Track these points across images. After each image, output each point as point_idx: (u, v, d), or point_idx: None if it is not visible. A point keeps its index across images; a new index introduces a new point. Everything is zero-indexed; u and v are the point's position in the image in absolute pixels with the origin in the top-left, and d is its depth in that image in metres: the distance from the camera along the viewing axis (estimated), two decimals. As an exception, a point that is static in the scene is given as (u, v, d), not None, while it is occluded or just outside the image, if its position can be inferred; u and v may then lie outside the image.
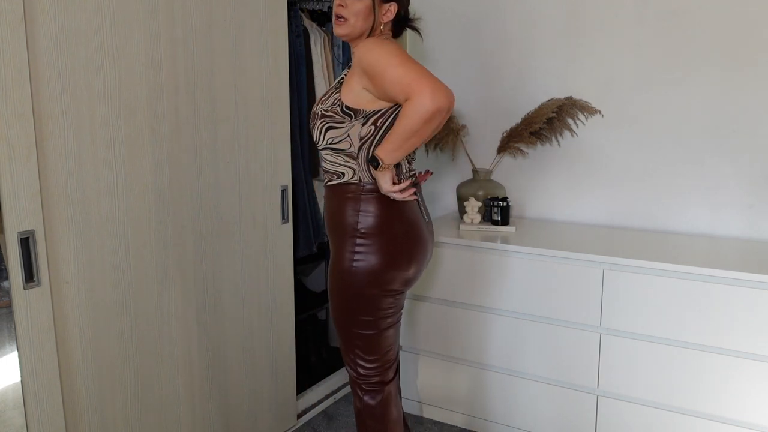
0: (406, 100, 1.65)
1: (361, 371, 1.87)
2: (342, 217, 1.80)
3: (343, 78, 1.80)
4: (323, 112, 1.78)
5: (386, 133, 1.74)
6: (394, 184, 1.76)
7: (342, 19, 1.76)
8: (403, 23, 1.86)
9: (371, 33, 1.78)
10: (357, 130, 1.75)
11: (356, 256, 1.78)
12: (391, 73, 1.66)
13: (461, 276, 2.48)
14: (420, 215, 1.87)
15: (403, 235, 1.82)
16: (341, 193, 1.81)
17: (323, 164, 1.86)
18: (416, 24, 1.89)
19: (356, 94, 1.74)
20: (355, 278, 1.78)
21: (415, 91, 1.62)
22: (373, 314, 1.82)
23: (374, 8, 1.75)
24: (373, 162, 1.71)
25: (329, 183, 1.85)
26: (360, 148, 1.76)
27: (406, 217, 1.82)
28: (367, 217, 1.78)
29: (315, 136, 1.82)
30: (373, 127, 1.75)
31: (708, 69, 2.39)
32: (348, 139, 1.76)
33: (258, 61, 2.18)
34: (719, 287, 2.04)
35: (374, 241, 1.78)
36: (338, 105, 1.76)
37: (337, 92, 1.78)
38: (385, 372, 1.89)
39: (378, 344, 1.85)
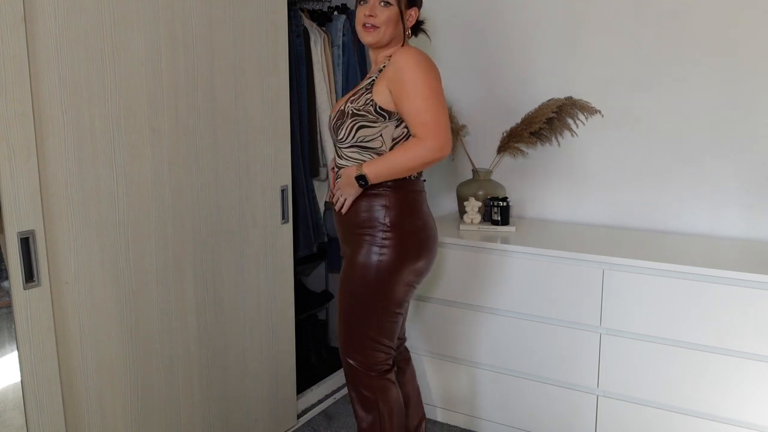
0: (415, 135, 1.77)
1: (369, 359, 1.91)
2: (369, 212, 1.86)
3: (373, 79, 1.86)
4: (354, 111, 1.84)
5: None
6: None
7: (372, 27, 1.82)
8: (418, 25, 1.96)
9: (391, 40, 1.86)
10: (390, 131, 1.84)
11: (382, 250, 1.85)
12: (416, 102, 1.76)
13: (461, 276, 2.48)
14: (430, 210, 1.98)
15: (421, 229, 1.90)
16: (367, 189, 1.86)
17: (342, 161, 1.91)
18: (424, 26, 2.00)
19: (386, 96, 1.81)
20: (379, 269, 1.85)
21: (429, 136, 1.75)
22: (393, 302, 1.89)
23: (402, 15, 1.83)
24: (362, 181, 1.81)
25: None
26: (391, 148, 1.85)
27: (423, 212, 1.93)
28: (391, 212, 1.85)
29: (342, 134, 1.87)
30: (405, 130, 1.84)
31: (708, 69, 2.39)
32: (380, 138, 1.85)
33: (258, 61, 2.18)
34: (719, 287, 2.04)
35: (397, 234, 1.85)
36: (371, 105, 1.82)
37: (368, 93, 1.84)
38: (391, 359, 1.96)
39: (392, 331, 1.92)
